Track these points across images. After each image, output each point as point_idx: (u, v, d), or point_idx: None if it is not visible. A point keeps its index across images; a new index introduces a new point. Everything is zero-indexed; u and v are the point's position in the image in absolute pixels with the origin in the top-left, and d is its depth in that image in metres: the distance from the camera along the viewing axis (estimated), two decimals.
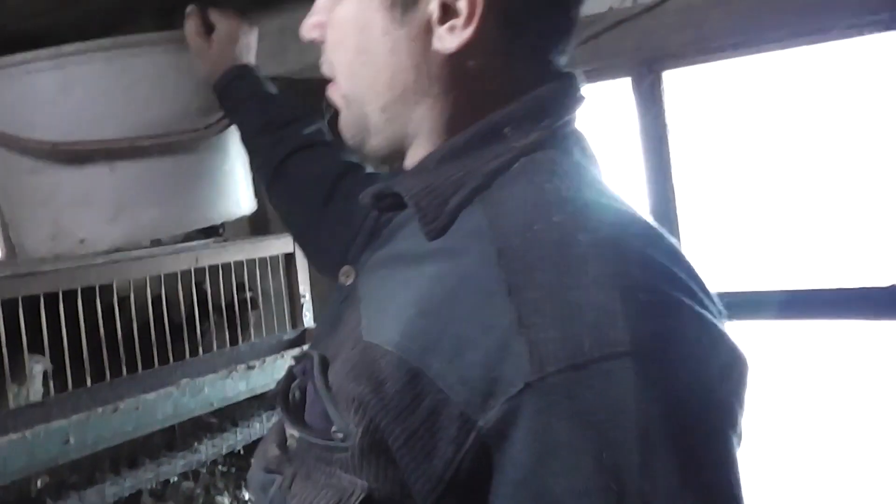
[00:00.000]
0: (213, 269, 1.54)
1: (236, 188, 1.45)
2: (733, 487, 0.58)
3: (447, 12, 0.68)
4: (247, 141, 1.24)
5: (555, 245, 0.61)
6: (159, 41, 1.36)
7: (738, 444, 0.61)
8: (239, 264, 1.57)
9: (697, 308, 0.61)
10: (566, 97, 0.73)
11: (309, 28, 0.78)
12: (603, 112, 1.88)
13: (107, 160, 1.29)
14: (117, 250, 1.34)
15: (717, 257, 1.77)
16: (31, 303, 1.29)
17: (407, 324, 0.63)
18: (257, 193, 1.55)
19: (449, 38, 0.68)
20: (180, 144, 1.34)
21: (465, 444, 0.59)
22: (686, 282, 0.62)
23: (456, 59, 0.69)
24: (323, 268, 1.07)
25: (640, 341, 0.57)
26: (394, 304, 0.66)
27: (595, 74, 1.80)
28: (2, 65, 1.30)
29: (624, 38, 1.73)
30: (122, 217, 1.31)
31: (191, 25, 1.27)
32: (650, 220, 0.67)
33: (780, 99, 1.71)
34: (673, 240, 0.66)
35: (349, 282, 0.78)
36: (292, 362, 0.78)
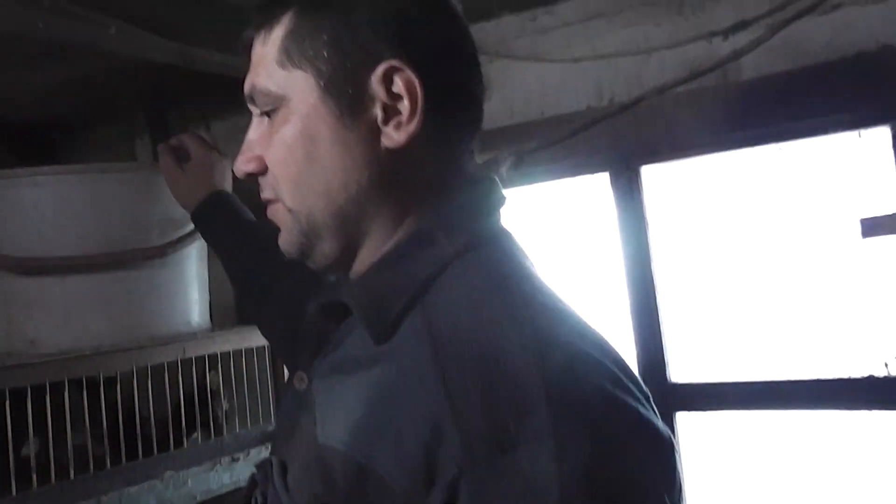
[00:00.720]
0: (199, 360, 1.55)
1: (189, 305, 1.58)
2: None
3: (390, 112, 0.74)
4: (228, 269, 1.28)
5: (483, 339, 0.66)
6: (128, 169, 1.51)
7: None
8: (225, 355, 1.58)
9: (619, 393, 0.65)
10: (490, 200, 0.80)
11: (244, 163, 0.80)
12: (583, 207, 1.93)
13: (61, 273, 1.41)
14: (66, 353, 1.40)
15: (696, 348, 1.80)
16: (17, 395, 1.29)
17: (355, 423, 0.69)
18: (212, 311, 1.68)
19: (396, 134, 0.74)
20: (136, 262, 1.47)
21: None
22: (609, 367, 0.66)
23: (402, 154, 0.75)
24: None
25: (560, 426, 0.61)
26: (344, 406, 0.71)
27: (574, 170, 1.86)
28: None
29: (601, 135, 1.80)
30: (72, 324, 1.42)
31: (165, 160, 1.31)
32: (575, 311, 0.73)
33: (757, 194, 1.77)
34: (597, 329, 0.72)
35: (303, 387, 0.81)
36: (254, 469, 0.83)
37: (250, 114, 0.81)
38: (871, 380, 1.60)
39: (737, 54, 1.67)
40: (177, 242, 1.51)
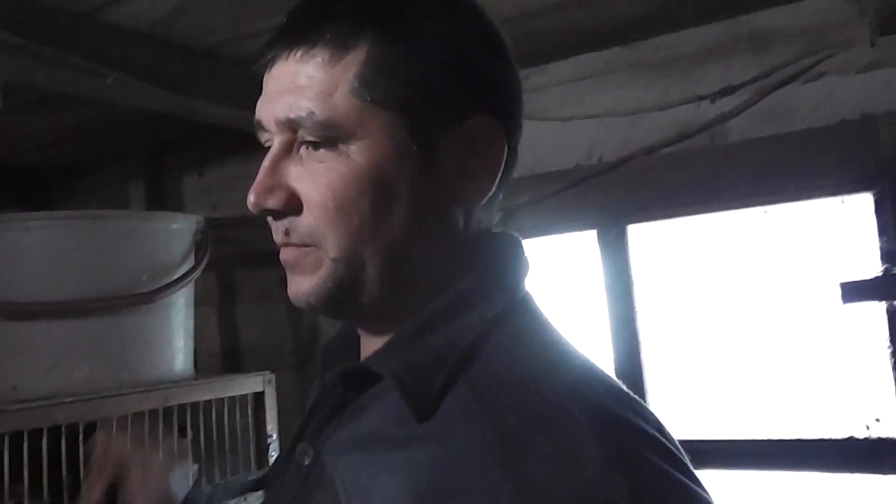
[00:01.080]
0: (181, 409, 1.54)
1: (174, 352, 1.59)
2: None
3: (468, 169, 0.68)
4: None
5: (550, 423, 0.60)
6: (119, 216, 1.52)
7: None
8: (207, 403, 1.58)
9: (692, 484, 0.62)
10: (520, 261, 0.74)
11: (267, 194, 0.67)
12: (569, 262, 1.95)
13: (50, 318, 1.41)
14: (48, 399, 1.39)
15: (680, 404, 1.80)
16: None
17: None
18: (197, 358, 1.67)
19: (471, 193, 0.68)
20: (124, 308, 1.48)
21: None
22: (669, 447, 0.63)
23: (468, 213, 0.69)
24: None
25: None
26: (381, 492, 0.63)
27: (563, 226, 1.88)
28: None
29: (590, 192, 1.83)
30: (57, 371, 1.42)
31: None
32: (615, 379, 0.68)
33: (742, 255, 1.79)
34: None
35: (307, 460, 0.72)
36: None
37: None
38: (851, 441, 1.61)
39: (723, 118, 1.71)
40: (164, 289, 1.52)
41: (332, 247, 0.66)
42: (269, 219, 0.70)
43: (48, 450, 1.30)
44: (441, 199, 0.67)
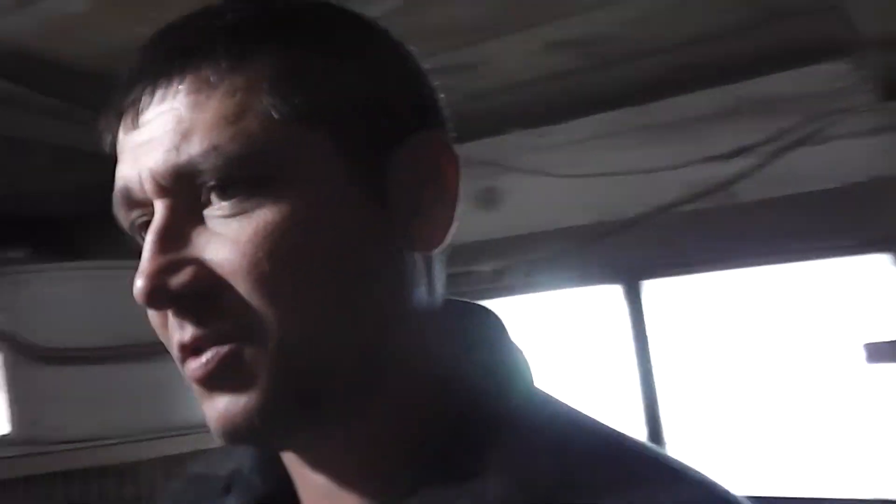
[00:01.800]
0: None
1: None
2: None
3: (419, 200, 0.51)
4: None
5: None
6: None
7: None
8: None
9: None
10: (515, 344, 0.57)
11: (160, 274, 0.46)
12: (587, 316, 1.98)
13: (87, 364, 1.47)
14: (96, 439, 1.44)
15: (700, 460, 1.80)
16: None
17: None
18: None
19: (426, 235, 0.52)
20: (159, 354, 1.48)
21: None
22: None
23: (429, 266, 0.53)
24: None
25: None
26: None
27: (581, 280, 1.92)
28: (12, 270, 1.56)
29: (606, 249, 1.86)
30: (98, 412, 1.47)
31: None
32: None
33: (764, 311, 1.80)
34: None
35: None
36: None
37: None
38: (882, 503, 1.60)
39: (735, 178, 1.76)
40: None
41: (275, 332, 0.46)
42: (167, 316, 0.49)
43: (91, 492, 1.33)
44: (394, 246, 0.50)
